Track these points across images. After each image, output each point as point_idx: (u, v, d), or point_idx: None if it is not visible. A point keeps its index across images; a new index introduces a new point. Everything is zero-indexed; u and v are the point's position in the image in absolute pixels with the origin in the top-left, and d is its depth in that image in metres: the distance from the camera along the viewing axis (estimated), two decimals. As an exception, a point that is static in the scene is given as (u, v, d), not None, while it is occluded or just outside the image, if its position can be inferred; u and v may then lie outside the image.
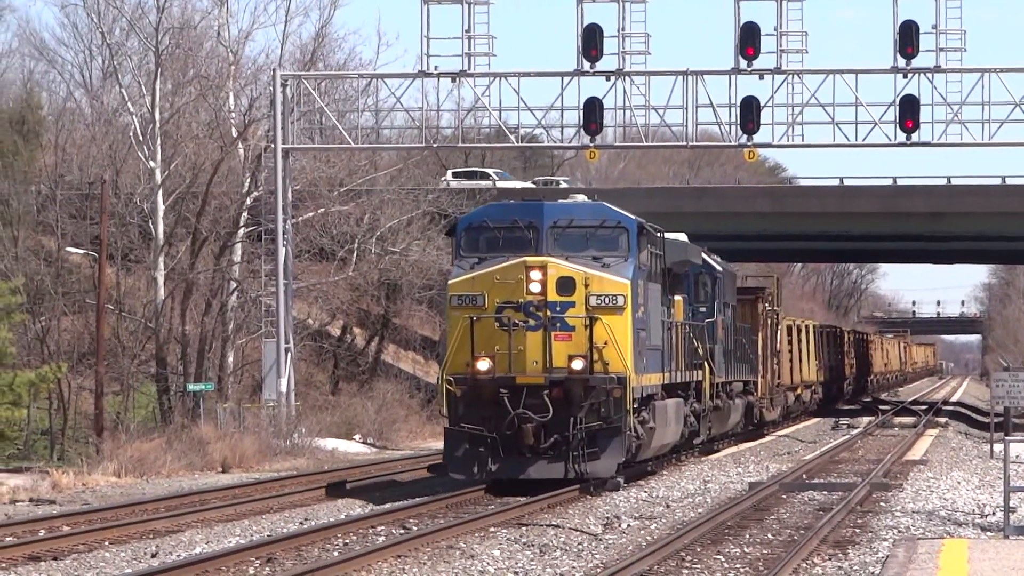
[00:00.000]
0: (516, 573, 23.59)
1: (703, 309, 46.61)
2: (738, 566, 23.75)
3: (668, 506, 33.93)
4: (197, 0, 65.29)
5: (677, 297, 42.97)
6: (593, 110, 49.01)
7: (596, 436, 32.44)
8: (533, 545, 26.47)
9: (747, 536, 28.02)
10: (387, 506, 31.07)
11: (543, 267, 32.53)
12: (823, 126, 50.51)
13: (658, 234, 38.29)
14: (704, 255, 47.42)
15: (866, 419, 77.12)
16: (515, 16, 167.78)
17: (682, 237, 45.59)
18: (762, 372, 59.59)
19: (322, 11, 64.58)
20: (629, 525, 29.90)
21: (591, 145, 51.41)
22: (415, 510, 31.31)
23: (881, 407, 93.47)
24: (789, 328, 70.44)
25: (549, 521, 30.45)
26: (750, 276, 67.48)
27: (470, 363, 32.77)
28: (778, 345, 64.42)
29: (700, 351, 45.18)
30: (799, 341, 71.93)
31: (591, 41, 48.05)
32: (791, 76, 49.18)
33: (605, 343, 32.50)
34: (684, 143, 52.82)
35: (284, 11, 63.25)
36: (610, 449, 32.60)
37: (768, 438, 62.63)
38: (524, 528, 29.25)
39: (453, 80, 50.39)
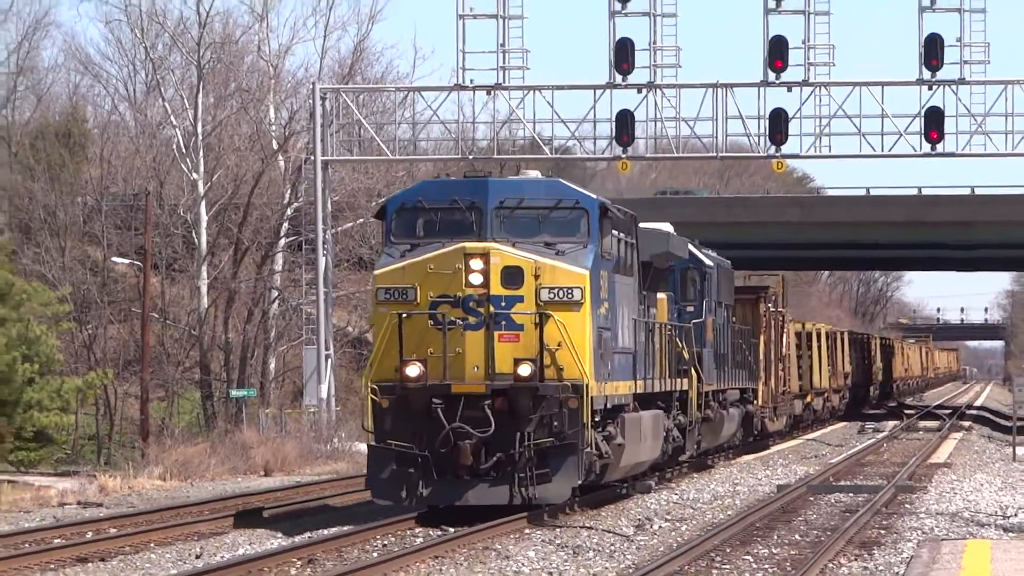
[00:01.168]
0: (550, 574, 23.98)
1: (691, 309, 41.52)
2: (766, 566, 23.93)
3: (696, 508, 33.88)
4: (238, 15, 66.47)
5: (660, 295, 37.98)
6: (625, 122, 50.02)
7: (547, 455, 26.54)
8: (567, 546, 26.90)
9: (775, 537, 28.42)
10: (425, 509, 28.68)
11: (485, 255, 26.54)
12: (850, 137, 51.77)
13: (628, 219, 32.74)
14: (692, 248, 42.75)
15: (891, 423, 77.45)
16: (549, 30, 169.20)
17: (666, 227, 41.51)
18: (764, 379, 54.18)
19: (360, 26, 66.30)
20: (660, 527, 30.26)
21: (623, 156, 52.64)
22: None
23: (906, 411, 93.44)
24: (798, 333, 66.42)
25: (582, 523, 30.67)
26: (753, 275, 62.35)
27: (399, 368, 26.93)
28: (784, 349, 59.43)
29: (686, 355, 39.53)
30: (810, 346, 69.01)
31: (623, 54, 48.88)
32: (819, 88, 50.88)
33: (559, 345, 26.52)
34: (714, 154, 54.30)
35: (323, 26, 65.36)
36: (564, 470, 26.65)
37: (794, 442, 62.75)
38: (558, 530, 29.61)
39: (488, 93, 51.36)
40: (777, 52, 48.87)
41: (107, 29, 71.91)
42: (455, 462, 26.21)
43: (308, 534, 26.71)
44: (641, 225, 35.76)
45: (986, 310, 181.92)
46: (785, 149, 51.26)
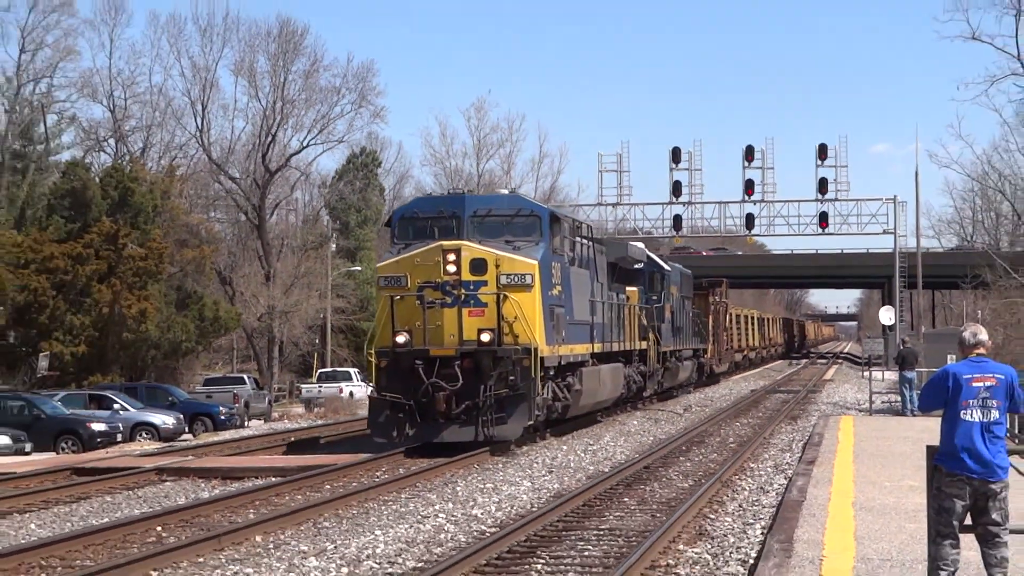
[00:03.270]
0: (647, 429, 39.16)
1: (655, 297, 49.14)
2: (749, 424, 40.98)
3: (714, 400, 54.16)
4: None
5: (632, 288, 45.34)
6: (679, 220, 71.88)
7: (504, 403, 30.77)
8: (651, 419, 43.41)
9: (751, 413, 46.95)
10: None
11: (457, 250, 31.18)
12: (783, 224, 74.15)
13: (586, 228, 38.62)
14: (652, 256, 51.28)
15: (804, 361, 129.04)
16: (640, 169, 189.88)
17: (639, 245, 49.53)
18: (712, 342, 67.09)
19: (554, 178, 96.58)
20: (696, 408, 49.32)
21: (676, 235, 75.29)
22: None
23: (811, 355, 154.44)
24: (738, 315, 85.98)
25: (658, 408, 48.50)
26: (706, 279, 73.04)
27: (392, 337, 31.50)
28: (726, 324, 72.97)
29: (648, 327, 47.27)
30: (745, 323, 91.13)
31: (677, 188, 70.74)
32: (768, 204, 72.02)
33: (515, 318, 30.86)
34: (720, 235, 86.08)
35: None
36: (517, 414, 30.81)
37: (755, 370, 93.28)
38: (648, 411, 46.91)
39: (613, 207, 72.65)
40: (749, 186, 70.23)
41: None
42: (433, 409, 30.93)
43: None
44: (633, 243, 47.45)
45: (848, 307, 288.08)
46: (755, 231, 74.24)
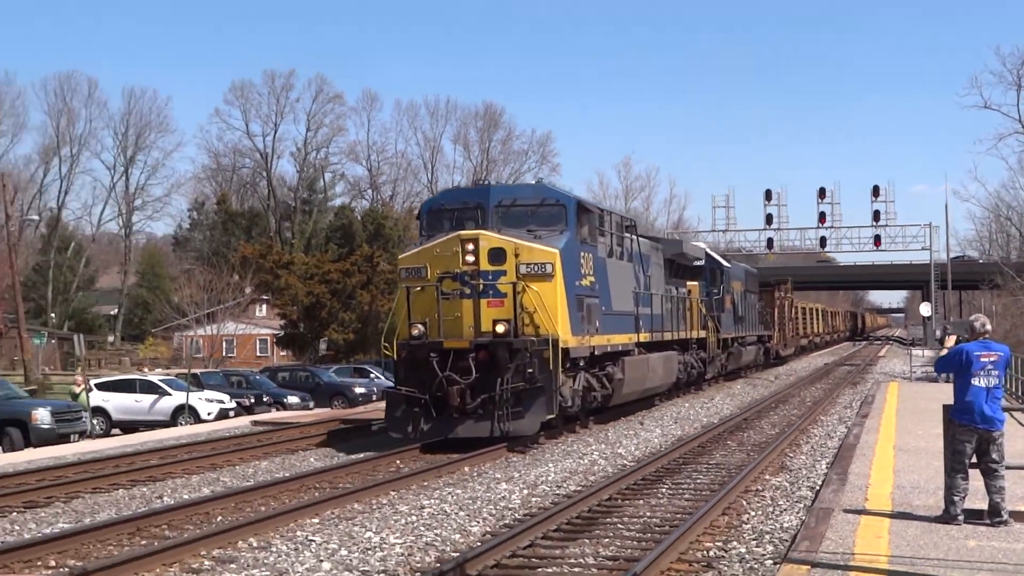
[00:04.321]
0: (749, 390, 38.93)
1: (715, 291, 40.69)
2: (821, 388, 40.49)
3: (796, 372, 53.09)
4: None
5: (693, 282, 37.38)
6: (771, 242, 71.88)
7: (521, 396, 21.81)
8: (751, 384, 42.70)
9: (823, 380, 46.23)
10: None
11: (475, 239, 22.52)
12: (850, 243, 73.64)
13: (629, 223, 29.49)
14: (712, 254, 42.98)
15: (864, 342, 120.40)
16: (743, 203, 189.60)
17: (699, 244, 43.02)
18: (778, 329, 59.13)
19: (680, 212, 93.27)
20: (784, 378, 47.57)
21: (769, 252, 73.59)
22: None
23: (869, 338, 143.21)
24: (803, 308, 78.47)
25: (757, 376, 48.10)
26: (777, 277, 66.35)
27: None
28: (791, 315, 65.69)
29: (708, 317, 38.73)
30: (810, 314, 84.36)
31: (769, 218, 70.70)
32: (837, 230, 72.39)
33: (535, 308, 22.16)
34: (801, 252, 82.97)
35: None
36: (534, 408, 21.84)
37: (826, 349, 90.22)
38: (750, 377, 46.66)
39: (723, 232, 73.75)
40: (821, 216, 69.84)
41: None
42: (447, 403, 22.00)
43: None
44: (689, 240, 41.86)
45: (897, 302, 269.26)
46: (827, 249, 74.57)
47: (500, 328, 21.81)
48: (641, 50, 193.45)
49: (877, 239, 69.46)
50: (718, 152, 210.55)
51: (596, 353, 24.50)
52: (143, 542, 12.87)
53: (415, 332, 22.27)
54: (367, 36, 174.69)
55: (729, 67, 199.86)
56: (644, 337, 28.91)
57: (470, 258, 22.26)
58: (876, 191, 68.74)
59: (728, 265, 44.16)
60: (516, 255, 22.23)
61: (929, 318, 72.68)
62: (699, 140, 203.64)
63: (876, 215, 68.69)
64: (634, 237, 28.86)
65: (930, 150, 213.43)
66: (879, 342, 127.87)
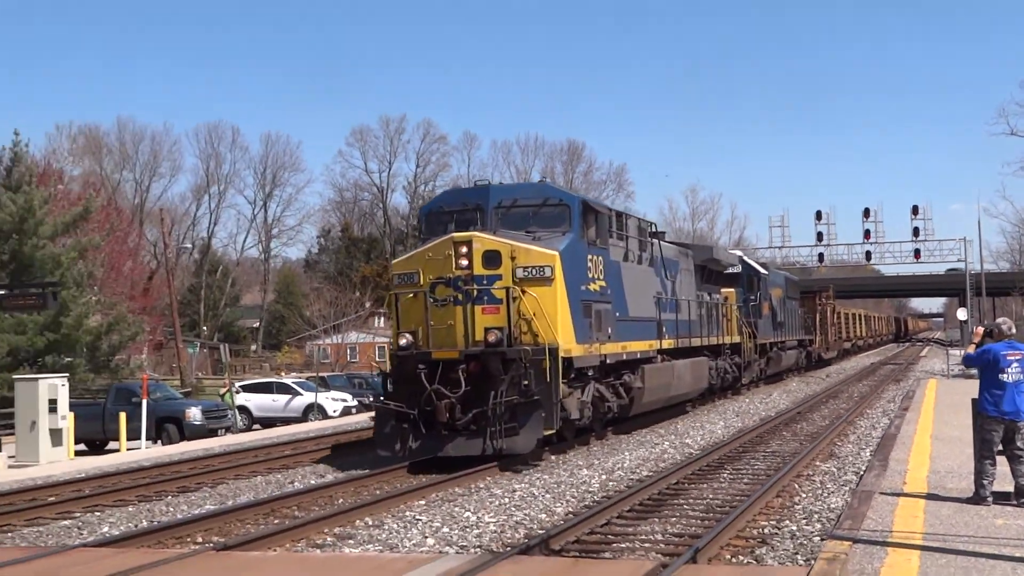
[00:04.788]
0: (802, 388, 37.27)
1: (752, 297, 36.18)
2: (868, 384, 39.19)
3: (844, 371, 51.25)
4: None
5: (728, 289, 33.05)
6: (821, 256, 69.08)
7: (516, 411, 17.11)
8: (806, 382, 41.46)
9: (870, 378, 44.74)
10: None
11: (468, 242, 18.03)
12: (893, 257, 70.57)
13: (647, 227, 24.51)
14: (749, 261, 38.37)
15: (907, 344, 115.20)
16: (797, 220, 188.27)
17: (735, 252, 39.05)
18: (818, 333, 53.82)
19: (740, 232, 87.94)
20: (821, 379, 44.54)
21: (820, 266, 71.40)
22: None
23: (912, 340, 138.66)
24: (845, 314, 73.20)
25: (811, 375, 46.34)
26: (817, 284, 63.97)
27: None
28: (833, 320, 60.77)
29: (745, 323, 34.29)
30: (853, 319, 79.10)
31: (819, 235, 67.76)
32: (882, 245, 68.70)
33: (534, 315, 17.68)
34: (849, 265, 77.04)
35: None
36: (530, 423, 17.10)
37: (869, 351, 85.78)
38: (805, 376, 45.67)
39: (780, 248, 70.02)
40: (867, 233, 66.90)
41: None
42: (436, 419, 17.51)
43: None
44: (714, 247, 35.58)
45: (937, 308, 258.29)
46: (872, 262, 70.60)
47: (492, 337, 17.49)
48: (703, 85, 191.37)
49: (917, 252, 67.89)
50: (773, 176, 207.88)
51: (609, 362, 20.11)
52: (276, 521, 13.03)
53: (402, 342, 18.04)
54: (468, 84, 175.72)
55: (778, 102, 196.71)
56: (668, 343, 24.27)
57: (463, 262, 17.96)
58: (915, 210, 67.63)
59: (765, 272, 39.40)
60: (512, 258, 17.91)
61: (965, 322, 71.03)
62: (756, 168, 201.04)
63: (916, 231, 67.33)
64: (656, 242, 24.50)
65: (966, 172, 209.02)
66: (921, 343, 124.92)
